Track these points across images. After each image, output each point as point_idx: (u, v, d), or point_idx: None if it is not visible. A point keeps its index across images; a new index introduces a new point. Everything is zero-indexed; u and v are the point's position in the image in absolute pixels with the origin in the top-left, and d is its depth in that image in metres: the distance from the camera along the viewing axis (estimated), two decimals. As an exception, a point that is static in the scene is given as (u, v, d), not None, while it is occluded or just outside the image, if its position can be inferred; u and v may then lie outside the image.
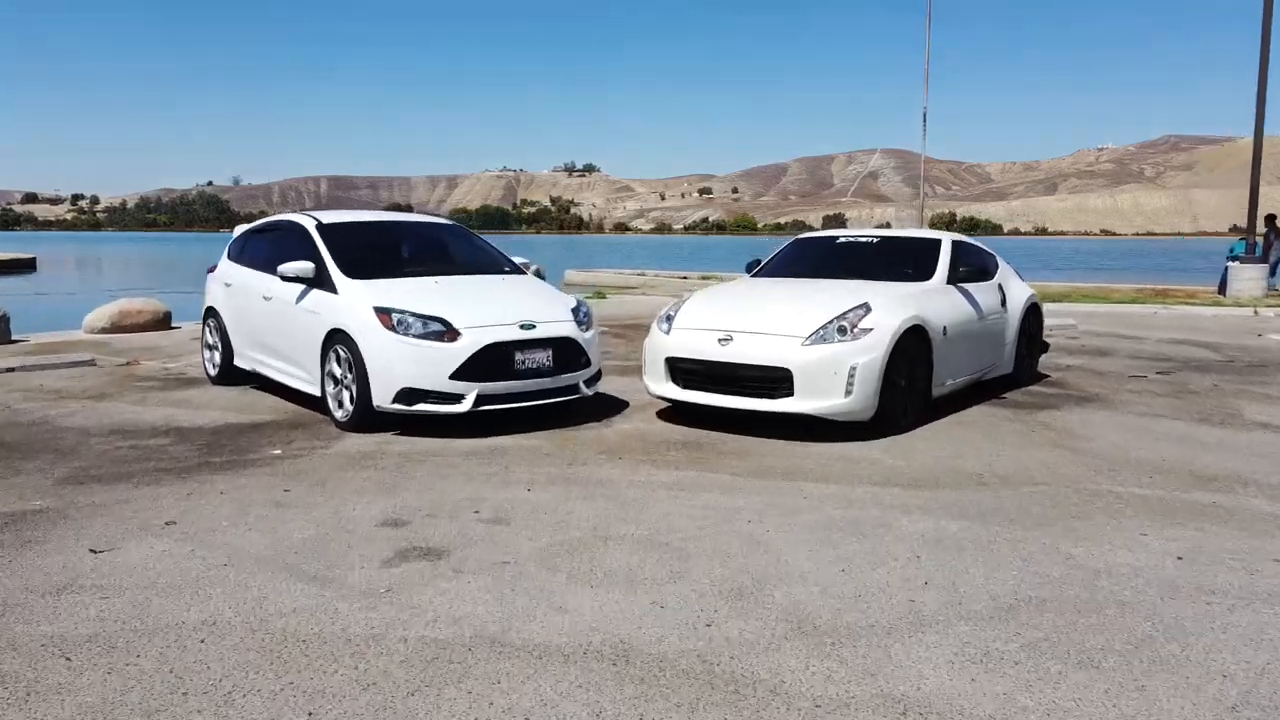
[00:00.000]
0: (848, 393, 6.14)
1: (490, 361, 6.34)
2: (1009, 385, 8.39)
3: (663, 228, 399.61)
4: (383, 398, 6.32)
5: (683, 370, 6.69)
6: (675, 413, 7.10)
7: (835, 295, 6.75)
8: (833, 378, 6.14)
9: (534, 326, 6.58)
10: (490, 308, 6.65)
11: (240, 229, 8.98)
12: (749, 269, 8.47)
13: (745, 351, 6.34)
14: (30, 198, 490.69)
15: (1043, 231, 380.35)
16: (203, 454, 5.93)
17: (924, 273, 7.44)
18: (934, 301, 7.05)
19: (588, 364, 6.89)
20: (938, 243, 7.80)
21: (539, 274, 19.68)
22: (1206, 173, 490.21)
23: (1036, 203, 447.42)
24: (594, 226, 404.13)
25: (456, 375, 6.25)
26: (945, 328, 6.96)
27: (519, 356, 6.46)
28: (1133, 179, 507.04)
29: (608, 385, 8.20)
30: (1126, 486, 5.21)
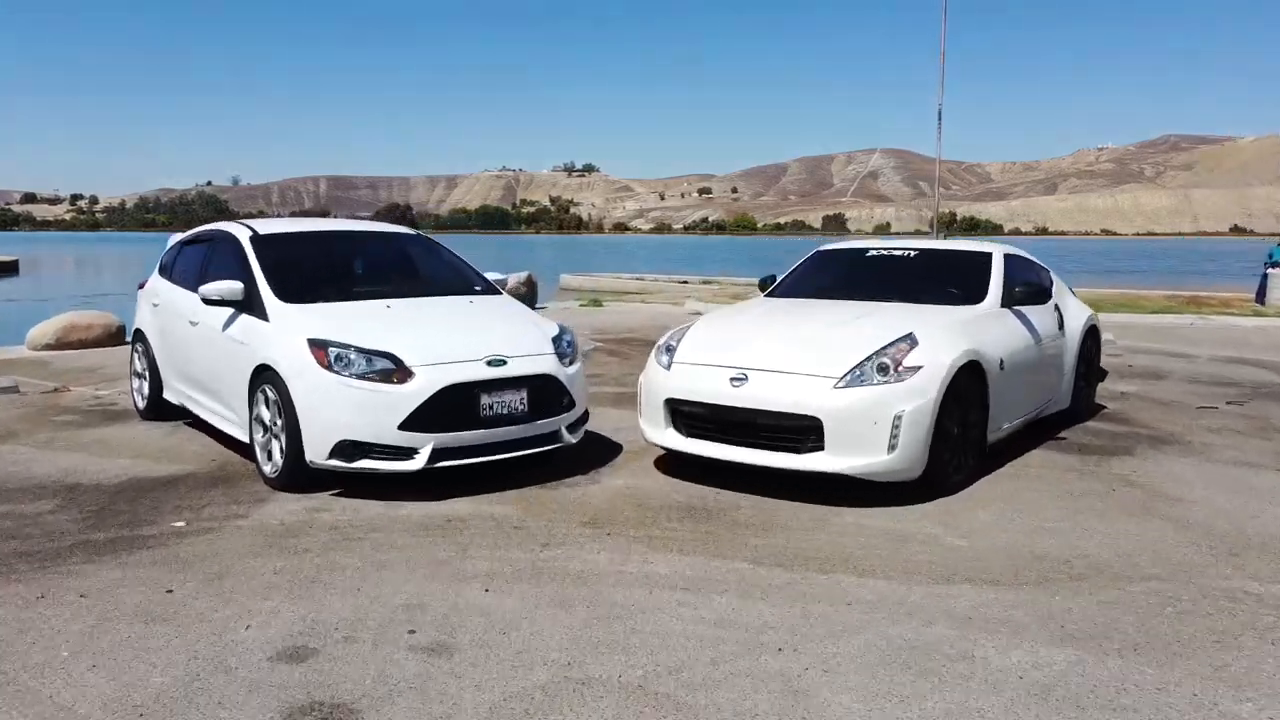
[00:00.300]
0: (891, 447, 4.94)
1: (450, 407, 5.14)
2: (1066, 420, 7.20)
3: (662, 228, 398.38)
4: (317, 452, 5.12)
5: (686, 415, 5.50)
6: (677, 461, 5.91)
7: (872, 324, 5.55)
8: (872, 428, 4.94)
9: (505, 362, 5.38)
10: (452, 339, 5.45)
11: (174, 239, 7.78)
12: (763, 286, 7.26)
13: (763, 395, 5.14)
14: (29, 198, 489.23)
15: (1043, 231, 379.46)
16: (86, 527, 4.73)
17: (973, 293, 6.23)
18: (989, 330, 5.86)
19: (571, 405, 5.69)
20: (988, 257, 6.59)
21: (530, 282, 18.46)
22: (1206, 173, 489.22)
23: (1037, 203, 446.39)
24: (593, 226, 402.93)
25: (408, 425, 5.05)
26: (1002, 361, 5.77)
27: (486, 400, 5.26)
28: (1133, 179, 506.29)
29: (599, 421, 7.01)
30: (1265, 584, 4.01)
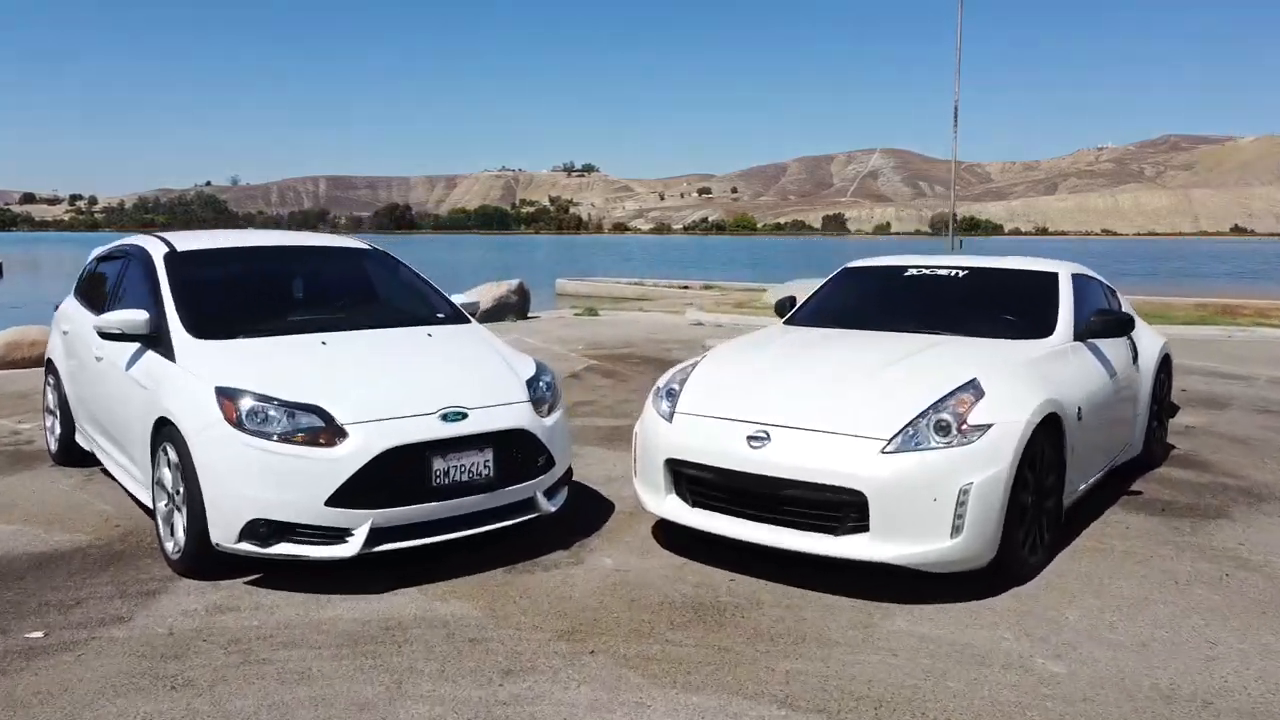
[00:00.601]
0: (956, 530, 3.86)
1: (394, 475, 4.05)
2: (1137, 468, 6.11)
3: (662, 228, 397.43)
4: (224, 533, 4.04)
5: (693, 480, 4.41)
6: (681, 528, 4.80)
7: (924, 366, 4.47)
8: (931, 506, 3.86)
9: (465, 415, 4.28)
10: (400, 386, 4.35)
11: (94, 253, 6.69)
12: (781, 311, 6.14)
13: (790, 459, 4.06)
14: (28, 198, 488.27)
15: (1043, 231, 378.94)
16: (-86, 638, 3.64)
17: (1039, 324, 5.13)
18: (1063, 371, 4.77)
19: (550, 465, 4.60)
20: (1053, 279, 5.48)
21: (521, 290, 17.39)
22: (1206, 172, 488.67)
23: (1037, 203, 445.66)
24: (593, 227, 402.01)
25: (339, 499, 3.97)
26: (1080, 409, 4.68)
27: (440, 465, 4.17)
28: (1133, 179, 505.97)
29: (587, 466, 5.96)
30: None
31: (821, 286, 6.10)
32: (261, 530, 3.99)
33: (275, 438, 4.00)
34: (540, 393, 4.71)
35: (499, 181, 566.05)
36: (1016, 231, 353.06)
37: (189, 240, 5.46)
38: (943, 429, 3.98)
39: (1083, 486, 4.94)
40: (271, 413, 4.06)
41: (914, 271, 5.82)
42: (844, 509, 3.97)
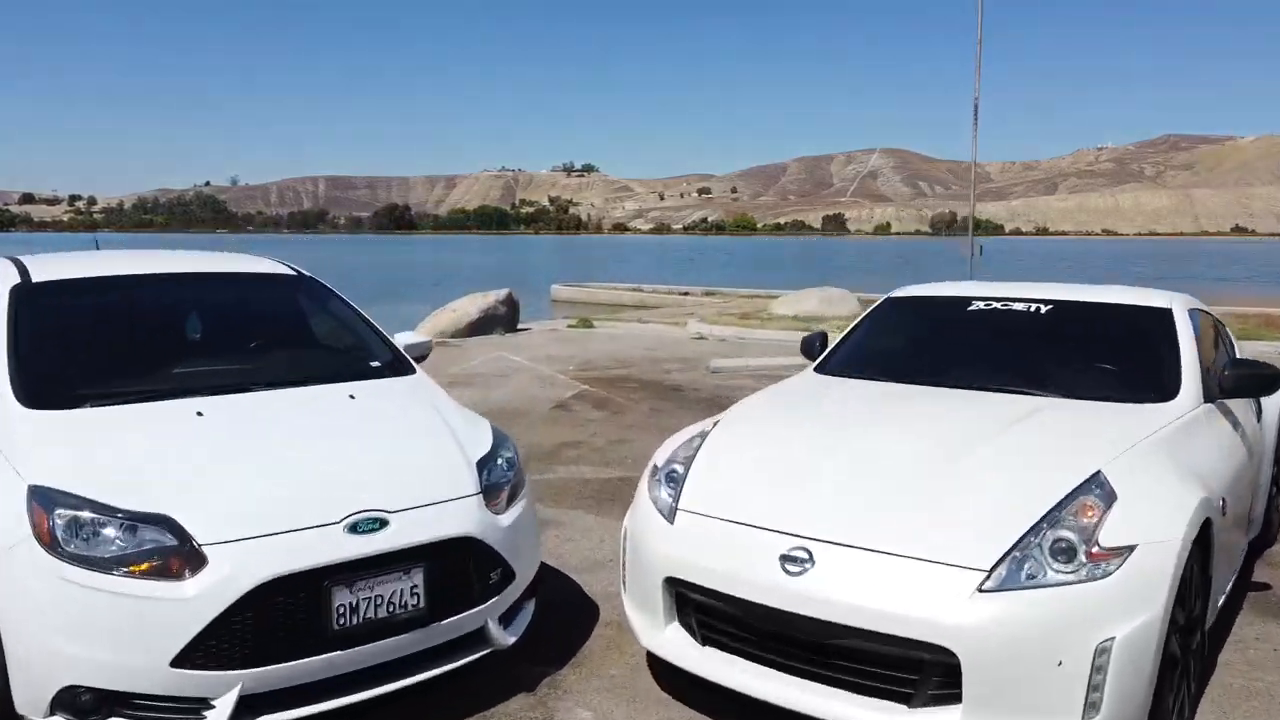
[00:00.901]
0: (1092, 709, 2.63)
1: (276, 616, 2.83)
2: (1253, 550, 4.88)
3: (661, 228, 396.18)
4: (29, 701, 2.81)
5: (703, 608, 3.19)
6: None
7: (1022, 447, 3.25)
8: (1055, 674, 2.63)
9: (383, 524, 3.05)
10: (294, 480, 3.11)
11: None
12: (809, 352, 4.86)
13: (843, 593, 2.83)
14: (27, 198, 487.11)
15: (1044, 231, 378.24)
16: None
17: (1155, 379, 3.88)
18: (1202, 450, 3.53)
19: (508, 579, 3.36)
20: (1166, 316, 4.21)
21: (510, 301, 16.09)
22: (1206, 172, 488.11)
23: (1037, 203, 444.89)
24: (592, 227, 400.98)
25: (190, 657, 2.74)
26: (1224, 501, 3.45)
27: (345, 599, 2.93)
28: (1133, 178, 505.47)
29: (567, 541, 4.75)
30: None
31: (861, 321, 4.84)
32: (82, 700, 2.76)
33: (103, 566, 2.77)
34: (497, 477, 3.48)
35: (498, 181, 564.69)
36: (1017, 231, 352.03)
37: (51, 266, 4.21)
38: (1065, 553, 2.76)
39: (1221, 599, 3.72)
40: (103, 528, 2.83)
41: (981, 305, 4.53)
42: (924, 669, 2.74)
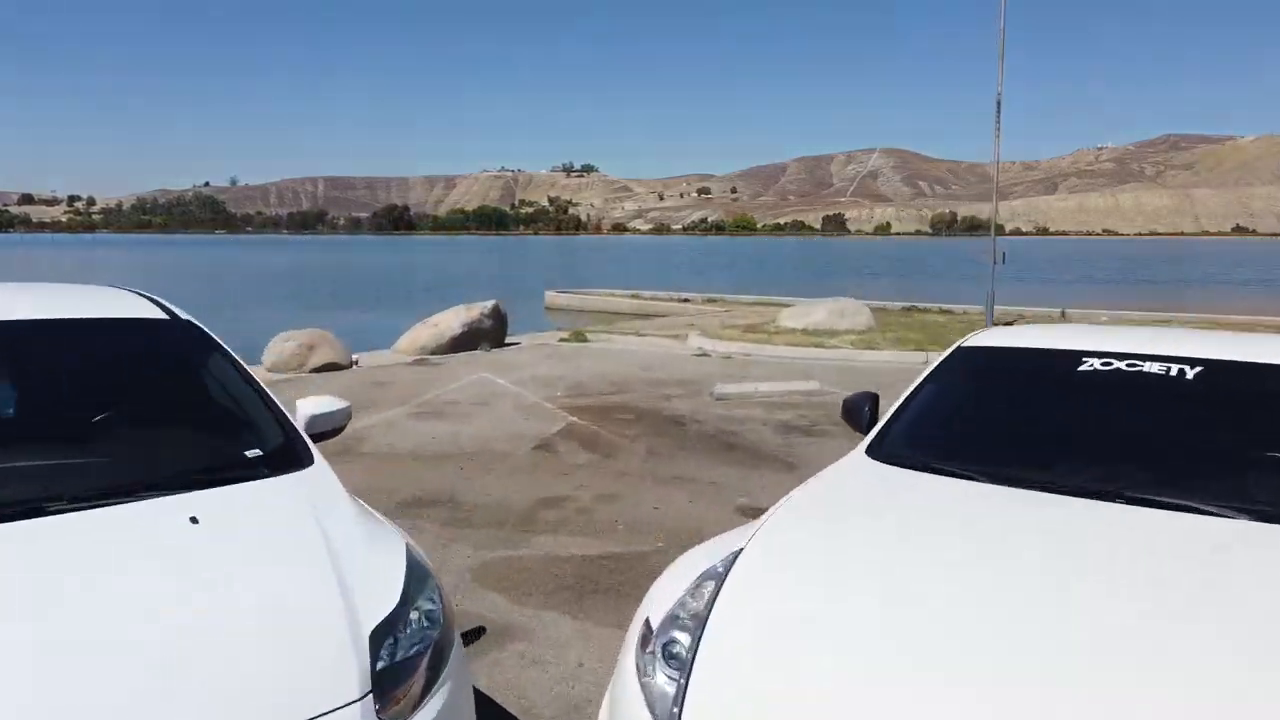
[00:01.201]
0: None
1: None
2: None
3: (661, 228, 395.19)
4: None
5: None
6: None
7: (1260, 633, 2.02)
8: None
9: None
10: (67, 688, 1.89)
11: None
12: (854, 417, 3.59)
13: None
14: (26, 199, 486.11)
15: (1044, 231, 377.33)
16: None
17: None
18: None
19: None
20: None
21: (496, 313, 14.86)
22: (1207, 172, 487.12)
23: (1037, 202, 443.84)
24: (592, 227, 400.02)
25: None
26: None
27: None
28: (1133, 178, 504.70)
29: (530, 668, 3.52)
30: None
31: (925, 383, 3.56)
32: None
33: None
34: (406, 650, 2.25)
35: (498, 182, 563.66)
36: (1017, 231, 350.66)
37: None
38: None
39: None
40: None
41: (1096, 363, 3.26)
42: None
